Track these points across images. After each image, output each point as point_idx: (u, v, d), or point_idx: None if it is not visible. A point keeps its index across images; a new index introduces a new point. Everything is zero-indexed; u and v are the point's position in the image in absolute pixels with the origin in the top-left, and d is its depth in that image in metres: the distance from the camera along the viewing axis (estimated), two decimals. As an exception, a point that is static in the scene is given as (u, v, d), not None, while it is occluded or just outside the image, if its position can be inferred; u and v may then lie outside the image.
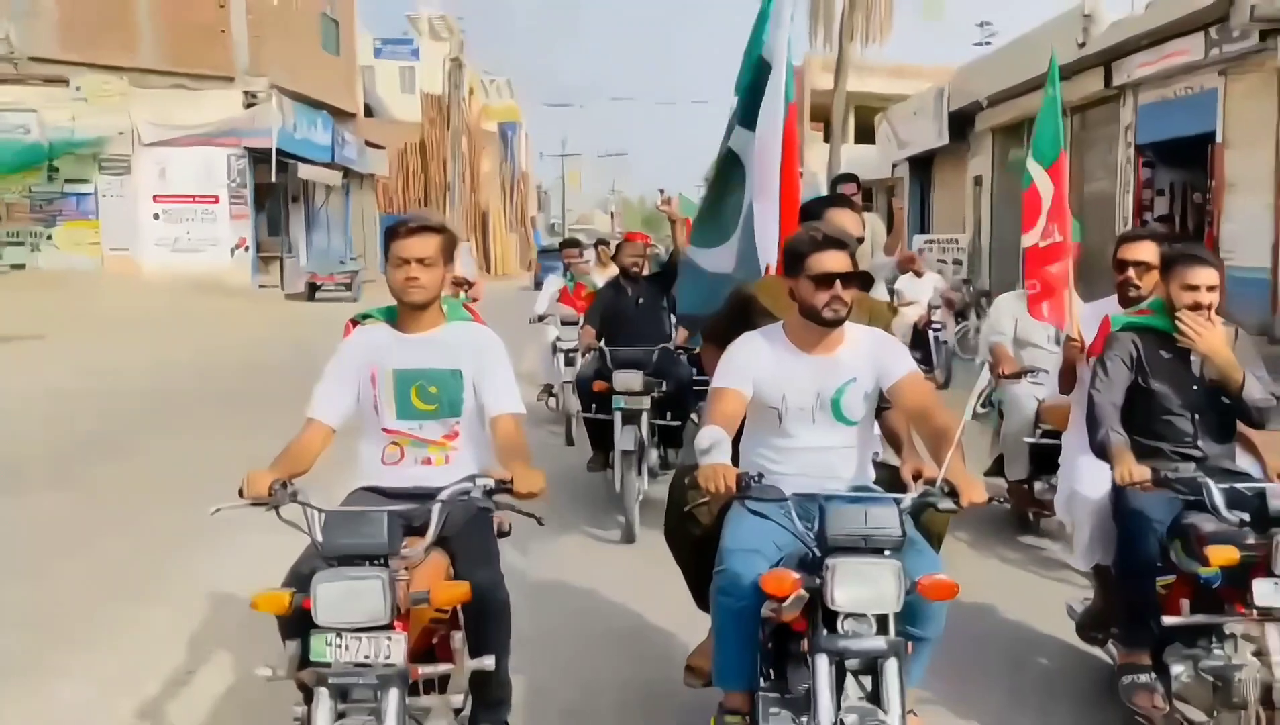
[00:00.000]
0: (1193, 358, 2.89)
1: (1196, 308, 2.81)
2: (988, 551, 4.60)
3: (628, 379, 4.90)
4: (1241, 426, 2.98)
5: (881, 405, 2.57)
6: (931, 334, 9.31)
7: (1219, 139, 11.00)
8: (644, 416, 4.91)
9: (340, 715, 2.10)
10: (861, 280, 2.39)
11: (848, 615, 2.10)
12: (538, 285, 15.23)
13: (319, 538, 2.16)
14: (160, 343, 12.53)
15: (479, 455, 2.57)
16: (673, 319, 5.59)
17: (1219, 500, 2.53)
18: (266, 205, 21.51)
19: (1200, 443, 2.89)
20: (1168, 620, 2.62)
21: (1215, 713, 2.60)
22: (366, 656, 2.08)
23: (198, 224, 20.08)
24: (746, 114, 3.51)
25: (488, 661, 2.34)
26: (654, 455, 5.19)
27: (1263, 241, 10.23)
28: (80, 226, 19.80)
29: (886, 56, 21.85)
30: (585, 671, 3.30)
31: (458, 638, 2.35)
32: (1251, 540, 2.46)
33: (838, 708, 2.07)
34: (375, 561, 2.11)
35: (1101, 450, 2.82)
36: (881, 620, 2.11)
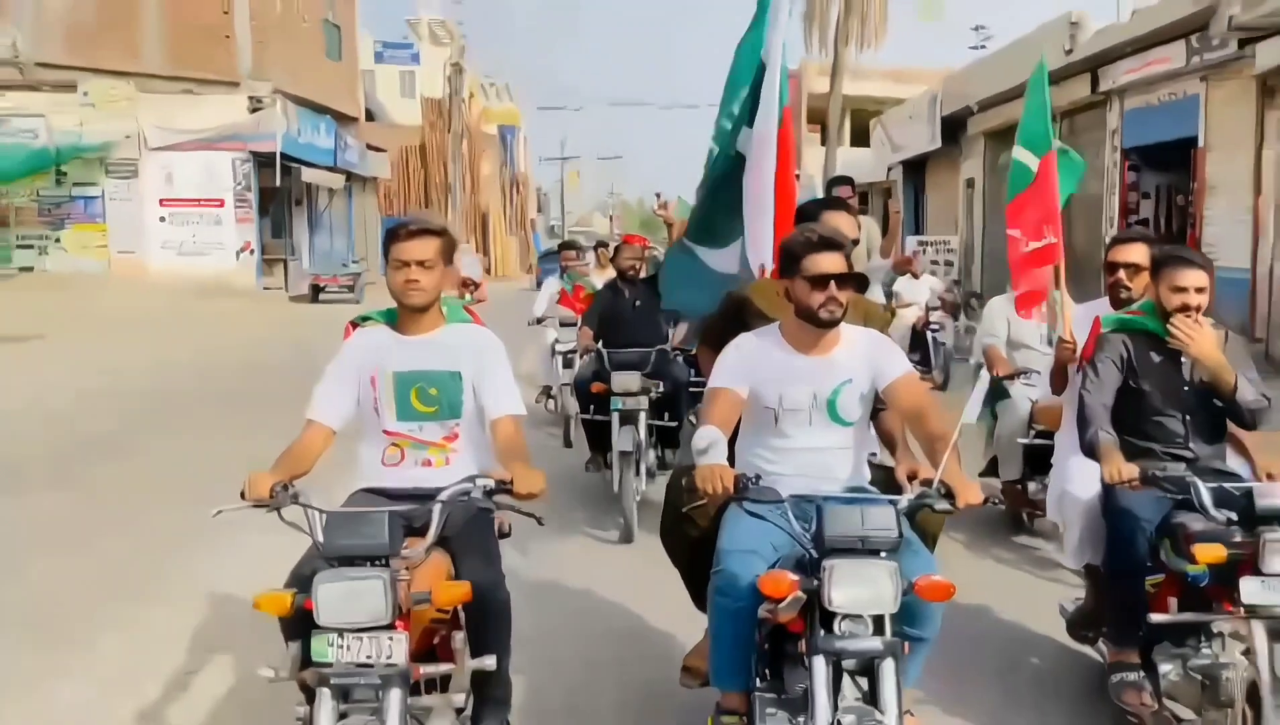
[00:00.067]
0: (1183, 359, 2.87)
1: (1185, 309, 2.79)
2: (982, 552, 4.57)
3: (625, 380, 4.88)
4: (1232, 427, 2.96)
5: (877, 406, 2.55)
6: (930, 335, 9.20)
7: (1201, 143, 11.11)
8: (641, 417, 4.89)
9: (342, 715, 2.08)
10: (857, 282, 2.37)
11: (845, 616, 2.08)
12: (539, 287, 15.15)
13: (320, 539, 2.14)
14: (164, 343, 12.48)
15: (479, 457, 2.55)
16: (670, 320, 5.60)
17: (1206, 499, 2.51)
18: (270, 209, 21.46)
19: (1191, 443, 2.87)
20: (1156, 618, 2.61)
21: (1203, 711, 2.60)
22: (368, 656, 2.06)
23: (203, 227, 20.05)
24: (749, 115, 3.49)
25: (489, 661, 2.32)
26: (651, 456, 5.17)
27: (1242, 243, 10.29)
28: (88, 230, 19.75)
29: (884, 60, 21.85)
30: (583, 672, 3.28)
31: (459, 637, 2.34)
32: (1239, 539, 2.44)
33: (835, 708, 2.06)
34: (376, 562, 2.10)
35: (1091, 450, 2.80)
36: (878, 621, 2.10)
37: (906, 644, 2.14)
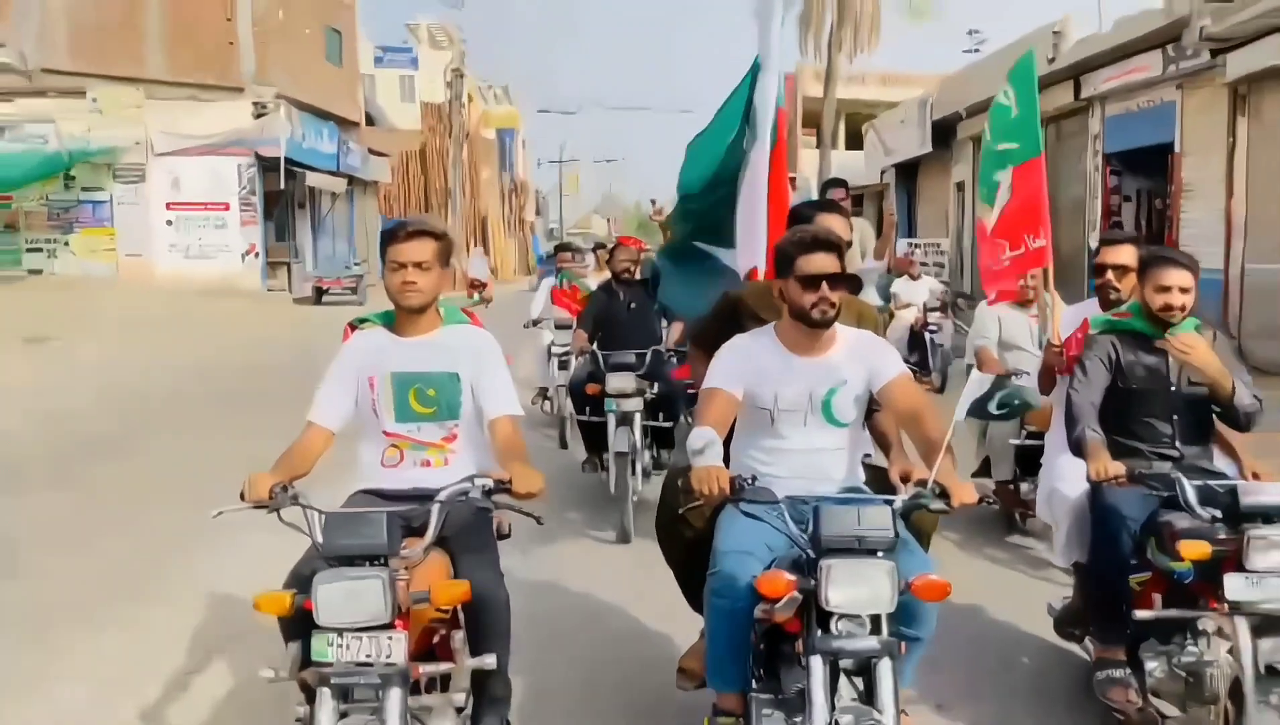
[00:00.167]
0: (1170, 360, 2.84)
1: (1169, 309, 2.77)
2: (975, 552, 4.52)
3: (620, 382, 4.83)
4: (1220, 427, 2.93)
5: (871, 407, 2.52)
6: (928, 337, 9.07)
7: (1177, 148, 11.25)
8: (636, 418, 4.84)
9: (342, 715, 2.05)
10: (849, 283, 2.34)
11: (842, 616, 2.05)
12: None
13: (319, 539, 2.11)
14: (171, 345, 12.41)
15: (477, 457, 2.50)
16: (664, 322, 5.53)
17: (1192, 497, 2.48)
18: (274, 212, 21.38)
19: (1177, 443, 2.84)
20: (1141, 615, 2.58)
21: (1188, 707, 2.57)
22: (368, 656, 2.03)
23: (209, 231, 19.97)
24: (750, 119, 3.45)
25: (488, 660, 2.28)
26: (647, 456, 5.12)
27: (1216, 244, 10.35)
28: (96, 234, 19.66)
29: (879, 64, 21.81)
30: (580, 672, 3.24)
31: (458, 637, 2.31)
32: (1224, 536, 2.41)
33: (832, 708, 2.02)
34: (375, 562, 2.06)
35: (1079, 448, 2.78)
36: (875, 621, 2.07)
37: (903, 644, 2.10)
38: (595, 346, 5.25)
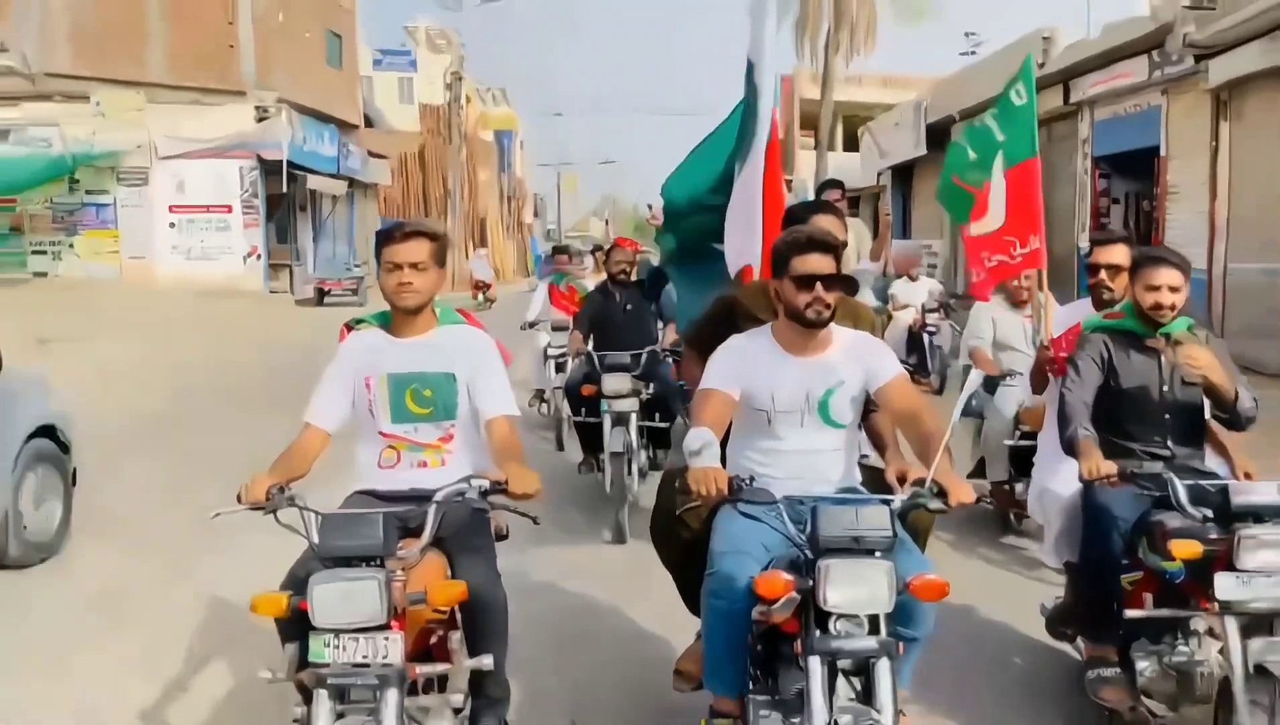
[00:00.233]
0: (1162, 360, 2.82)
1: (1159, 308, 2.75)
2: (969, 552, 4.48)
3: (615, 382, 4.80)
4: (1213, 427, 2.91)
5: (868, 407, 2.49)
6: (926, 338, 8.95)
7: (1163, 152, 11.33)
8: (632, 418, 4.80)
9: (339, 715, 2.03)
10: (845, 284, 2.31)
11: (840, 616, 2.02)
12: None
13: (315, 540, 2.11)
14: (178, 346, 12.35)
15: (474, 458, 2.47)
16: (660, 322, 5.49)
17: (1183, 496, 2.46)
18: (276, 215, 21.32)
19: (1170, 443, 2.82)
20: (1131, 614, 2.56)
21: (1179, 706, 2.55)
22: (365, 657, 2.01)
23: (212, 233, 19.90)
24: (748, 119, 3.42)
25: (486, 661, 2.26)
26: (643, 456, 5.08)
27: (1200, 244, 10.39)
28: (100, 236, 19.57)
29: (876, 66, 21.70)
30: (577, 673, 3.21)
31: (455, 638, 2.28)
32: (1215, 535, 2.39)
33: (830, 709, 1.99)
34: (371, 563, 2.05)
35: (1071, 447, 2.75)
36: (873, 621, 2.04)
37: (901, 644, 2.08)
38: (591, 347, 5.21)
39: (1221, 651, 2.37)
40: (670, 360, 5.20)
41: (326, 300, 20.07)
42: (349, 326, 2.60)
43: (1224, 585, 2.31)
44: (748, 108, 3.41)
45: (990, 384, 4.60)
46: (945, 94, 17.12)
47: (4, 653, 3.34)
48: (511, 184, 40.21)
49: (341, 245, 24.90)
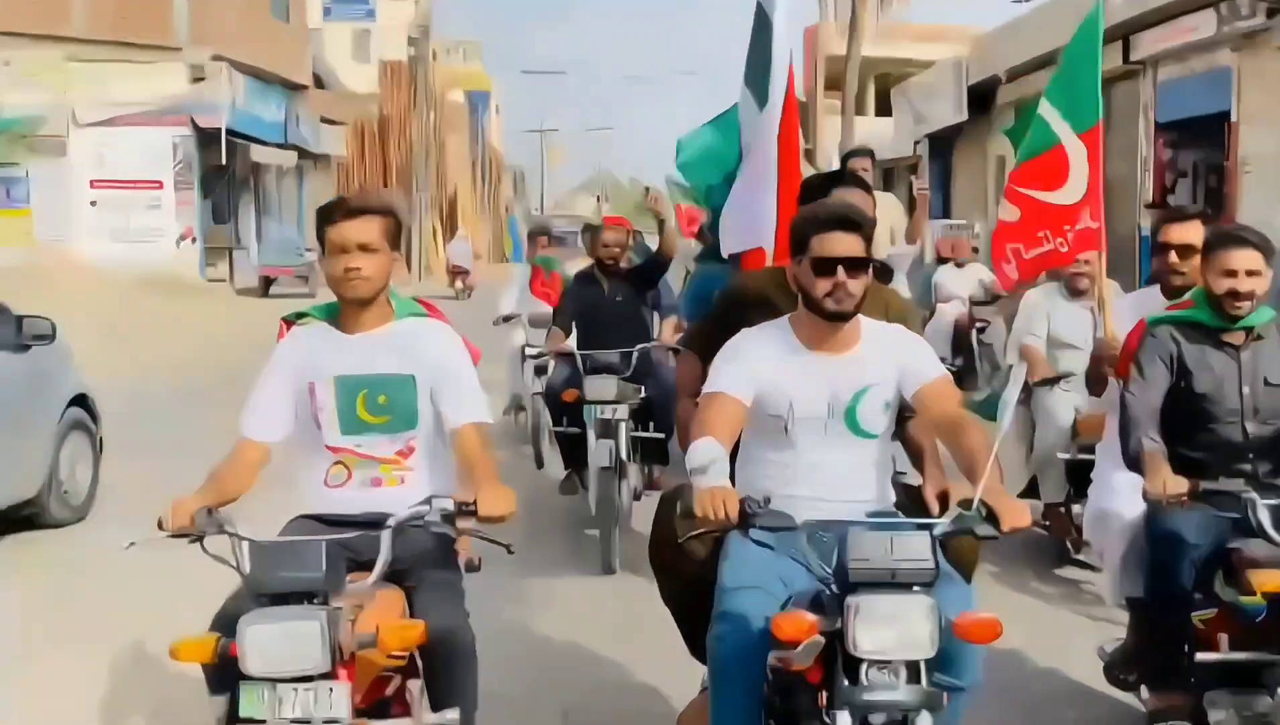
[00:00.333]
0: (1243, 356, 2.78)
1: (1235, 296, 2.71)
2: (1019, 586, 4.39)
3: (600, 386, 4.70)
4: None
5: (903, 414, 2.46)
6: (975, 336, 8.60)
7: (1234, 117, 11.27)
8: (622, 428, 4.72)
9: (276, 781, 1.99)
10: (874, 269, 2.27)
11: (873, 663, 1.96)
12: None
13: (247, 572, 2.09)
14: (93, 344, 12.20)
15: (438, 474, 2.44)
16: (655, 317, 5.41)
17: (1266, 519, 2.47)
18: (213, 191, 21.23)
19: (1251, 456, 2.78)
20: (1204, 658, 2.54)
21: (1259, 765, 2.52)
22: (305, 711, 2.00)
23: (140, 212, 19.81)
24: (755, 72, 3.36)
25: (450, 716, 2.23)
26: (636, 473, 5.01)
27: (1277, 224, 10.34)
28: (10, 215, 19.47)
29: (914, 16, 21.40)
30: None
31: (415, 687, 2.27)
32: (1304, 566, 2.38)
33: (862, 772, 1.96)
34: (314, 599, 2.02)
35: (1134, 461, 2.73)
36: (912, 668, 1.98)
37: (945, 694, 2.03)
38: (575, 346, 5.12)
39: None
40: (671, 359, 5.14)
41: (272, 290, 20.07)
42: (289, 321, 2.56)
43: None
44: (757, 65, 3.36)
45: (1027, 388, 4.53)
46: (989, 50, 17.04)
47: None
48: (486, 154, 39.98)
49: (289, 226, 24.76)
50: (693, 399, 2.62)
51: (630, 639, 3.68)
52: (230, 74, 19.85)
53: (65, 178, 19.41)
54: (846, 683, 1.98)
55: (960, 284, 9.01)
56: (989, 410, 4.00)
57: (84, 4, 19.52)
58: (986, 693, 2.43)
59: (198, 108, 19.40)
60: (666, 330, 5.41)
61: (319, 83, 26.52)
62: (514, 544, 2.29)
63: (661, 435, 4.99)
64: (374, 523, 2.24)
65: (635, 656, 3.59)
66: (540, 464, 6.29)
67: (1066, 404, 4.50)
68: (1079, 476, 4.32)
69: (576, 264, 7.04)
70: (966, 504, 2.08)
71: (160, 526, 2.16)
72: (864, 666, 1.97)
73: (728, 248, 3.48)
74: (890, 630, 1.96)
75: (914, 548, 2.00)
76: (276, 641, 1.95)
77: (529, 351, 6.00)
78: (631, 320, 5.17)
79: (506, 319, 7.04)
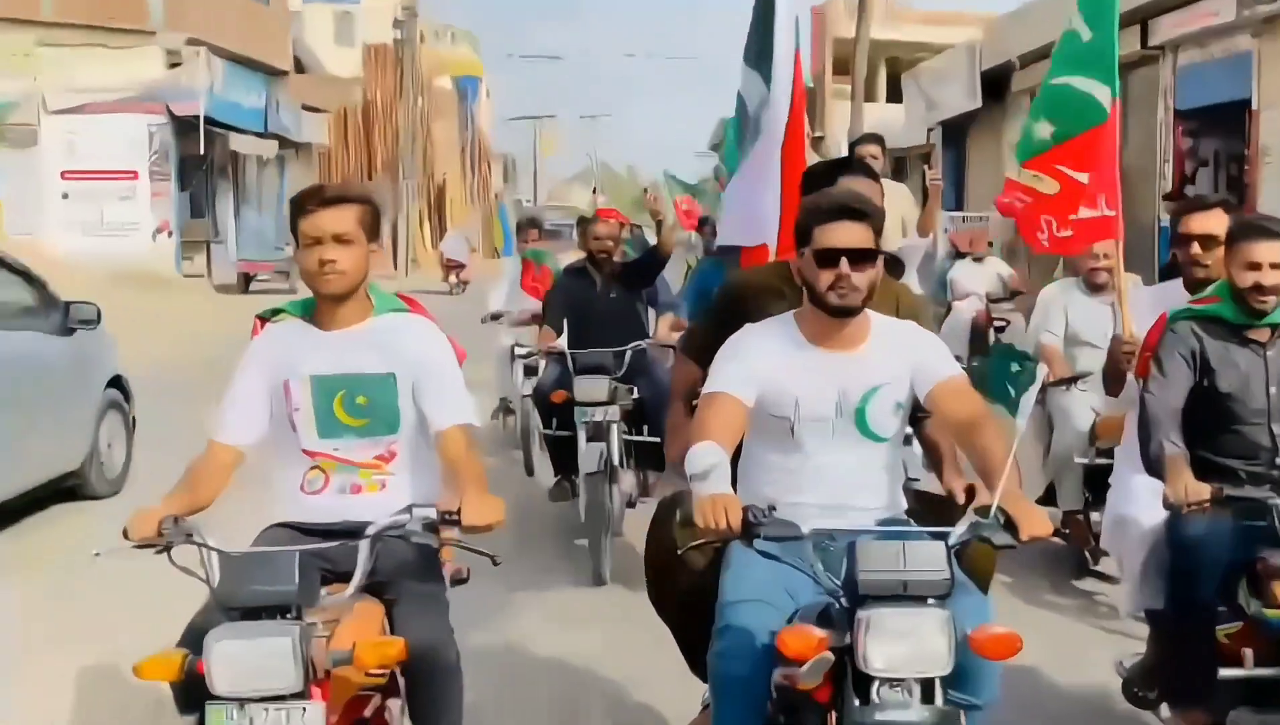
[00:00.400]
0: (1269, 354, 2.75)
1: (1259, 291, 2.69)
2: (1033, 598, 4.34)
3: (590, 386, 4.65)
4: None
5: (922, 415, 2.43)
6: (994, 334, 8.44)
7: (1254, 105, 11.27)
8: (613, 430, 4.68)
9: (246, 808, 1.97)
10: (886, 263, 2.25)
11: (885, 680, 1.93)
12: None
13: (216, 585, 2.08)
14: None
15: (422, 480, 2.41)
16: (651, 314, 5.36)
17: (1290, 527, 2.45)
18: (191, 182, 21.17)
19: (1279, 460, 2.75)
20: (1225, 674, 2.51)
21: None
22: None
23: (113, 204, 19.76)
24: (757, 52, 3.33)
25: (432, 737, 2.21)
26: (629, 478, 4.95)
27: (1299, 216, 10.31)
28: (-23, 209, 19.39)
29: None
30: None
31: (395, 707, 2.25)
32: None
33: (874, 797, 1.94)
34: (286, 614, 1.99)
35: (1154, 465, 2.70)
36: (927, 685, 1.94)
37: (962, 713, 2.00)
38: (565, 345, 5.06)
39: None
40: (669, 358, 5.09)
41: (252, 286, 20.05)
42: (263, 318, 2.53)
43: None
44: (759, 44, 3.33)
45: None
46: (1003, 34, 16.99)
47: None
48: (475, 142, 39.86)
49: (269, 219, 24.71)
50: (686, 403, 2.58)
51: (623, 655, 3.64)
52: (208, 59, 19.79)
53: (35, 168, 19.37)
54: (857, 702, 1.96)
55: (978, 280, 8.87)
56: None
57: (51, -15, 19.45)
58: (999, 710, 2.41)
59: (174, 94, 19.36)
60: (663, 327, 5.35)
61: (299, 67, 26.40)
62: (502, 554, 2.25)
63: (656, 439, 4.90)
64: (352, 532, 2.21)
65: (628, 674, 3.55)
66: (530, 471, 6.24)
67: (1084, 405, 4.45)
68: (1098, 482, 4.29)
69: (570, 258, 6.99)
70: (983, 511, 2.05)
71: (126, 536, 2.13)
72: (875, 684, 1.94)
73: (724, 238, 3.43)
74: (903, 645, 1.93)
75: (928, 557, 1.97)
76: (245, 659, 1.93)
77: (518, 351, 5.94)
78: (625, 318, 5.10)
79: (495, 317, 6.96)
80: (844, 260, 2.17)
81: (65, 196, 19.62)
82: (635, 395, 4.84)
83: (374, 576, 2.20)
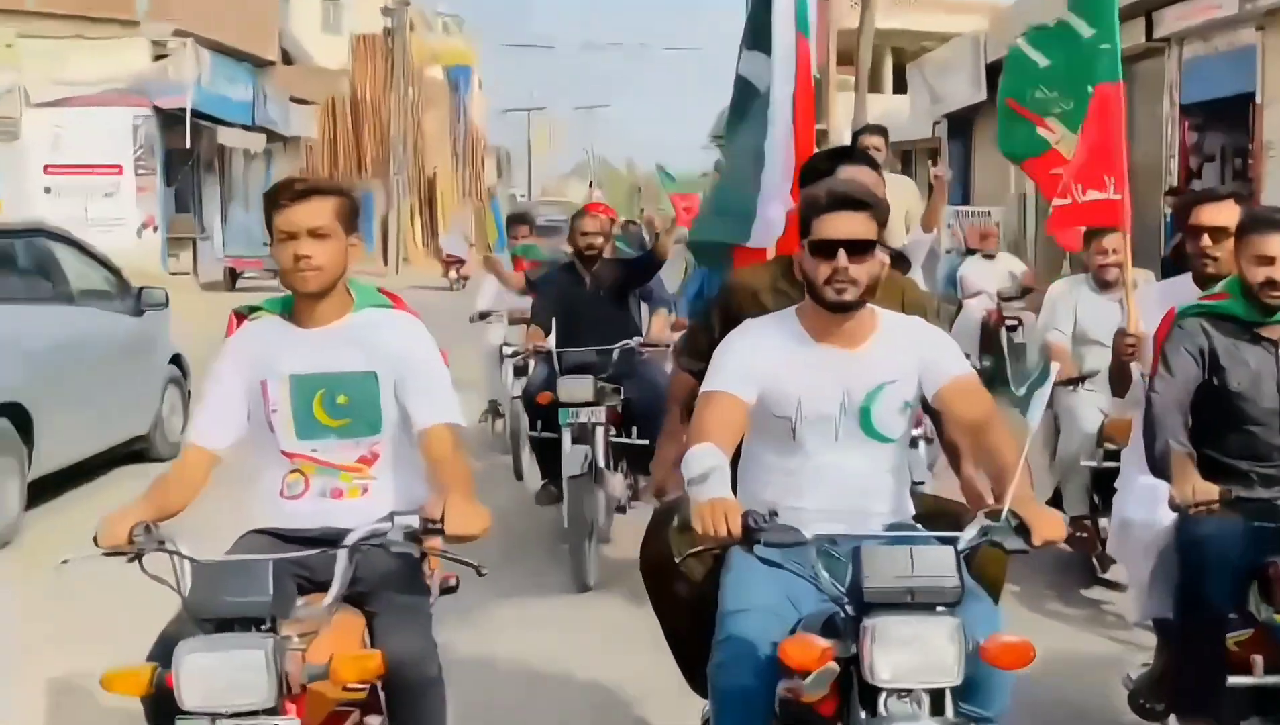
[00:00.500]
0: None
1: (1271, 286, 2.65)
2: (1038, 607, 4.27)
3: (574, 386, 4.58)
4: None
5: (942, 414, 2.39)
6: (1005, 334, 8.24)
7: (1258, 99, 11.28)
8: (599, 432, 4.61)
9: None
10: (881, 252, 2.18)
11: (892, 692, 1.89)
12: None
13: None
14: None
15: (406, 483, 2.36)
16: (644, 312, 5.30)
17: (1302, 529, 2.42)
18: (176, 177, 21.10)
19: None
20: (1234, 681, 2.48)
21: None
22: None
23: (97, 200, 19.67)
24: (757, 37, 3.27)
25: (414, 754, 2.17)
26: (617, 482, 4.87)
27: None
28: (-43, 204, 19.29)
29: None
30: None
31: (375, 723, 2.21)
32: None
33: (881, 813, 1.90)
34: (260, 625, 1.96)
35: (1160, 465, 2.66)
36: (936, 697, 1.90)
37: None
38: (553, 343, 4.99)
39: None
40: (662, 357, 5.02)
41: (240, 283, 20.01)
42: (240, 314, 2.49)
43: None
44: (755, 40, 3.27)
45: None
46: (1009, 24, 16.92)
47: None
48: (468, 135, 39.59)
49: (257, 215, 24.55)
50: (683, 415, 2.52)
51: (616, 667, 3.58)
52: (195, 50, 19.71)
53: (18, 162, 19.28)
54: (863, 715, 1.93)
55: (988, 277, 8.73)
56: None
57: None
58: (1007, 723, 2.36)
59: (160, 87, 19.30)
60: (657, 325, 5.28)
61: (285, 58, 26.28)
62: (490, 562, 2.18)
63: (646, 441, 4.80)
64: (333, 539, 2.17)
65: (621, 687, 3.49)
66: (520, 475, 6.13)
67: (1091, 406, 4.40)
68: (1106, 486, 4.24)
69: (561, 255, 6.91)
70: (994, 514, 2.01)
71: (96, 542, 2.10)
72: (882, 696, 1.91)
73: (700, 232, 3.34)
74: (911, 655, 1.89)
75: (936, 563, 1.93)
76: (217, 672, 1.89)
77: (507, 351, 5.88)
78: (614, 316, 5.01)
79: (484, 316, 6.88)
80: (841, 252, 2.13)
81: (48, 191, 19.53)
82: (623, 396, 4.77)
83: (355, 586, 2.16)
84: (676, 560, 2.29)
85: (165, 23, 19.50)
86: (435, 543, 2.09)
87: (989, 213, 16.60)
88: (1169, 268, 5.53)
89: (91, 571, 2.13)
